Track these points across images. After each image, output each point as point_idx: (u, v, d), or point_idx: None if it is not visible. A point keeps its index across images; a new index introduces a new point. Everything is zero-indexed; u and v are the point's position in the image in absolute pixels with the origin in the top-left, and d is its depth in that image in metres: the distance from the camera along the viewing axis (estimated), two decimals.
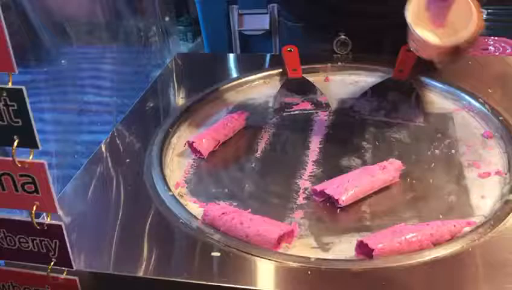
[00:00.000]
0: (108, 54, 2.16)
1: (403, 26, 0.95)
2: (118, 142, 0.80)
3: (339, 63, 0.97)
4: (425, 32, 0.70)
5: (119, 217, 0.64)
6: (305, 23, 1.05)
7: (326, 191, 0.64)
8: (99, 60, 2.11)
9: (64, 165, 1.62)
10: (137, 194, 0.68)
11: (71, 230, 0.60)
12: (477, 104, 0.81)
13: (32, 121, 0.40)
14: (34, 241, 0.46)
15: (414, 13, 0.71)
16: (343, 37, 0.97)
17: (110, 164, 0.75)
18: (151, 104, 0.90)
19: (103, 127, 1.77)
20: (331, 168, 0.71)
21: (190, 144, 0.75)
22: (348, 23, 0.97)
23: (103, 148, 0.79)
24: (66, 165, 1.61)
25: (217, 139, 0.77)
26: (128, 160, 0.75)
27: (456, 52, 0.70)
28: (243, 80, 0.95)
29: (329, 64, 0.97)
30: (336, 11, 0.98)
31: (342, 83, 0.94)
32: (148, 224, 0.62)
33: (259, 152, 0.76)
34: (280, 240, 0.57)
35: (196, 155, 0.75)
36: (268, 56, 1.06)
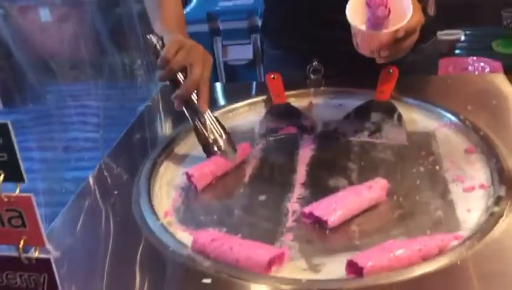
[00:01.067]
0: (93, 90, 2.18)
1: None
2: (106, 174, 0.80)
3: (322, 88, 0.99)
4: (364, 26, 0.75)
5: (109, 249, 0.63)
6: (283, 50, 1.09)
7: (315, 213, 0.65)
8: (85, 97, 2.12)
9: (52, 203, 1.60)
10: (127, 225, 0.68)
11: (60, 264, 0.60)
12: (458, 121, 0.83)
13: (18, 155, 0.40)
14: (22, 277, 0.45)
15: (354, 10, 0.76)
16: (315, 63, 1.00)
17: (98, 197, 0.75)
18: (138, 136, 0.91)
19: (90, 163, 1.77)
20: (318, 189, 0.72)
21: (188, 176, 0.75)
22: (321, 49, 1.00)
23: (91, 182, 0.79)
24: (54, 203, 1.60)
25: (215, 174, 0.76)
26: (116, 191, 0.75)
27: (395, 42, 0.75)
28: (228, 107, 0.96)
29: (312, 89, 0.99)
30: (309, 38, 1.01)
31: (325, 107, 0.95)
32: (138, 254, 0.62)
33: (247, 177, 0.77)
34: (271, 263, 0.57)
35: (192, 184, 0.75)
36: (252, 84, 1.08)
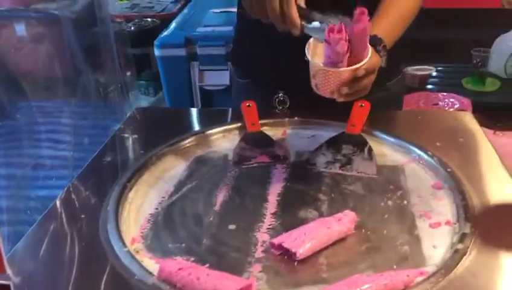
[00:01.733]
0: (66, 108, 2.15)
1: None
2: (74, 197, 0.79)
3: (296, 118, 1.00)
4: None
5: (73, 275, 0.62)
6: (251, 80, 1.11)
7: (284, 245, 0.65)
8: (57, 114, 2.09)
9: (16, 222, 1.56)
10: (92, 251, 0.66)
11: None
12: (426, 157, 0.85)
13: None
14: None
15: (313, 52, 0.77)
16: (281, 94, 1.02)
17: (64, 220, 0.73)
18: (109, 159, 0.90)
19: (59, 182, 1.73)
20: (289, 220, 0.72)
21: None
22: (287, 81, 1.02)
23: (58, 204, 0.77)
24: (19, 222, 1.56)
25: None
26: (83, 215, 0.73)
27: (354, 80, 0.75)
28: (203, 134, 0.96)
29: (286, 119, 1.00)
30: (276, 71, 1.04)
31: (298, 137, 0.96)
32: (103, 282, 0.61)
33: (217, 205, 0.77)
34: None
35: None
36: (228, 110, 1.08)
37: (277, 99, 1.03)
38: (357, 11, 0.72)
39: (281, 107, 1.03)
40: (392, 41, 0.88)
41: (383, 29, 0.86)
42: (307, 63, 0.99)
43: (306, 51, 0.76)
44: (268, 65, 1.05)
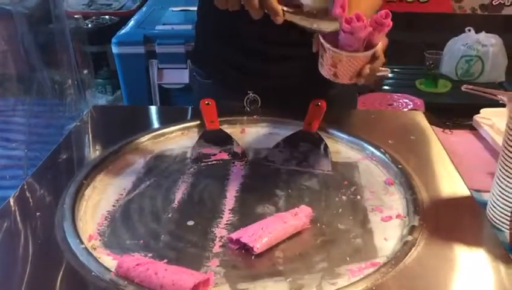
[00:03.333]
0: (20, 107, 2.09)
1: (304, 86, 1.03)
2: (28, 195, 0.77)
3: (255, 116, 1.01)
4: None
5: (27, 273, 0.61)
6: (215, 81, 1.10)
7: (242, 239, 0.66)
8: (10, 113, 2.03)
9: None
10: (48, 248, 0.65)
11: None
12: (379, 154, 0.88)
13: None
14: None
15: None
16: (252, 95, 1.03)
17: (18, 218, 0.72)
18: (65, 157, 0.88)
19: (13, 181, 1.68)
20: (246, 215, 0.73)
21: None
22: (256, 82, 1.04)
23: (11, 202, 0.75)
24: None
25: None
26: (38, 213, 0.72)
27: (373, 61, 0.78)
28: (161, 131, 0.96)
29: (245, 117, 1.01)
30: (244, 72, 1.05)
31: (257, 135, 0.98)
32: (58, 279, 0.60)
33: (176, 202, 0.77)
34: (195, 288, 0.58)
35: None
36: (187, 108, 1.09)
37: (248, 100, 1.04)
38: None
39: (252, 107, 1.04)
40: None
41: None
42: (274, 61, 1.00)
43: (322, 41, 0.76)
44: (234, 66, 1.05)
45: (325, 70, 0.80)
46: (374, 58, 0.78)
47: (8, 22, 2.23)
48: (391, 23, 0.74)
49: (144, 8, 2.64)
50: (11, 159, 1.89)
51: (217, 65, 1.08)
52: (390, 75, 2.27)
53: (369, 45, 0.76)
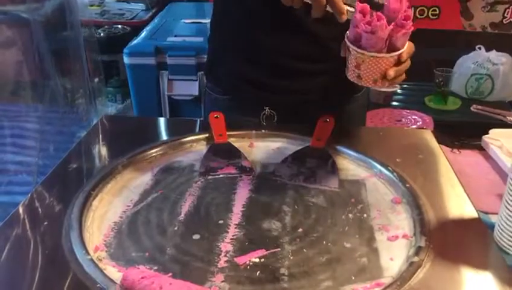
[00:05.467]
0: (32, 113, 2.11)
1: (321, 101, 1.03)
2: (37, 204, 0.78)
3: (263, 130, 1.02)
4: None
5: (35, 283, 0.61)
6: (231, 97, 1.09)
7: None
8: (22, 119, 2.05)
9: None
10: (55, 258, 0.66)
11: None
12: (386, 172, 0.88)
13: None
14: None
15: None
16: (268, 110, 1.04)
17: (27, 227, 0.72)
18: (74, 166, 0.89)
19: (22, 188, 1.70)
20: (252, 231, 0.74)
21: None
22: (273, 98, 1.04)
23: (20, 210, 0.76)
24: None
25: None
26: (46, 223, 0.73)
27: (398, 64, 0.79)
28: (169, 143, 0.97)
29: (253, 131, 1.02)
30: (260, 87, 1.04)
31: (265, 149, 0.98)
32: (64, 289, 0.61)
33: (182, 215, 0.77)
34: None
35: None
36: (196, 121, 1.09)
37: (264, 115, 1.05)
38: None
39: (268, 123, 1.05)
40: None
41: None
42: (295, 76, 1.00)
43: (347, 42, 0.78)
44: (251, 81, 1.04)
45: (350, 73, 0.81)
46: (399, 61, 0.79)
47: (23, 29, 2.27)
48: (412, 27, 0.75)
49: (156, 19, 2.67)
50: (22, 165, 1.90)
51: (231, 80, 1.07)
52: (399, 91, 2.27)
53: (393, 49, 0.77)
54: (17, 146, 1.89)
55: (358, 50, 0.77)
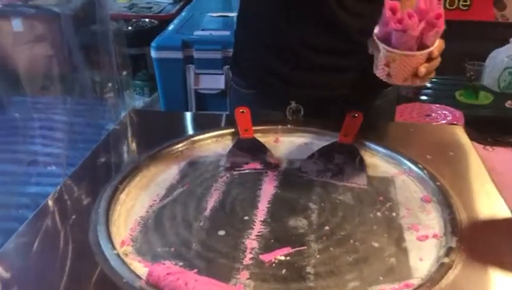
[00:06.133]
0: (61, 105, 2.14)
1: (349, 97, 1.02)
2: (66, 197, 0.79)
3: (289, 126, 1.01)
4: None
5: (63, 277, 0.62)
6: (257, 91, 1.08)
7: None
8: (52, 111, 2.09)
9: (7, 218, 1.56)
10: (82, 252, 0.67)
11: (10, 286, 0.58)
12: (416, 170, 0.85)
13: None
14: None
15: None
16: (294, 105, 1.02)
17: (55, 220, 0.73)
18: (103, 159, 0.90)
19: (51, 179, 1.73)
20: (278, 228, 0.73)
21: None
22: (299, 92, 1.03)
23: (50, 203, 0.77)
24: (8, 218, 1.55)
25: None
26: (74, 216, 0.74)
27: (428, 62, 0.77)
28: (195, 138, 0.96)
29: (279, 126, 1.01)
30: (287, 81, 1.03)
31: (291, 145, 0.97)
32: (92, 283, 0.61)
33: (208, 210, 0.77)
34: None
35: None
36: (222, 115, 1.09)
37: (291, 110, 1.03)
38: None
39: (294, 116, 1.03)
40: None
41: None
42: (323, 71, 0.98)
43: (376, 41, 0.77)
44: (278, 75, 1.03)
45: (379, 71, 0.79)
46: (430, 58, 0.77)
47: (53, 22, 2.30)
48: (443, 25, 0.73)
49: (183, 13, 2.68)
50: (51, 156, 1.94)
51: (258, 74, 1.06)
52: (428, 85, 2.22)
53: (423, 47, 0.75)
54: (46, 138, 1.93)
55: (389, 49, 0.75)
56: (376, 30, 0.77)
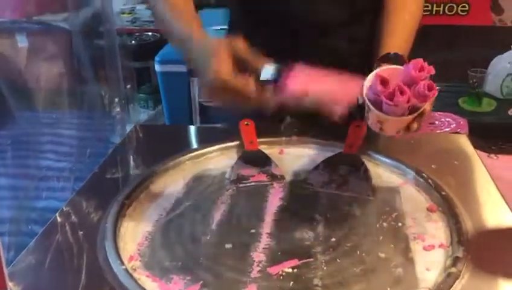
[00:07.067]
0: (68, 120, 2.16)
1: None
2: (74, 212, 0.80)
3: (294, 137, 1.01)
4: None
5: None
6: None
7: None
8: (59, 125, 2.10)
9: (18, 233, 1.57)
10: (91, 267, 0.67)
11: None
12: (421, 179, 0.86)
13: None
14: None
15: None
16: (289, 119, 1.03)
17: (63, 236, 0.74)
18: (109, 174, 0.91)
19: (59, 193, 1.74)
20: (284, 240, 0.73)
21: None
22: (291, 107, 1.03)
23: (58, 219, 0.78)
24: (18, 233, 1.56)
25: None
26: (82, 232, 0.74)
27: (421, 115, 0.74)
28: (201, 151, 0.97)
29: (284, 138, 1.01)
30: None
31: (296, 156, 0.97)
32: None
33: (214, 224, 0.78)
34: None
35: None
36: (226, 129, 1.10)
37: (286, 124, 1.04)
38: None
39: (289, 131, 1.04)
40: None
41: (399, 48, 0.87)
42: None
43: (368, 104, 0.73)
44: None
45: (371, 124, 0.77)
46: (422, 113, 0.74)
47: (64, 38, 2.33)
48: (436, 92, 0.70)
49: None
50: (60, 171, 1.95)
51: None
52: None
53: (414, 107, 0.72)
54: (55, 153, 1.95)
55: (380, 114, 0.72)
56: (366, 90, 0.74)
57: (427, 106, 0.73)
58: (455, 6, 2.39)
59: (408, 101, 0.69)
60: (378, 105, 0.72)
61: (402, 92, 0.69)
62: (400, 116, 0.71)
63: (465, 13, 2.39)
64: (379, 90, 0.70)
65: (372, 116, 0.75)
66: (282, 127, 1.04)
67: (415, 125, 0.75)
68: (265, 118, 1.01)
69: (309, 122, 1.03)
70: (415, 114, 0.72)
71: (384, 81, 0.70)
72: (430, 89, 0.69)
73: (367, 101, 0.73)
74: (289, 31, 1.02)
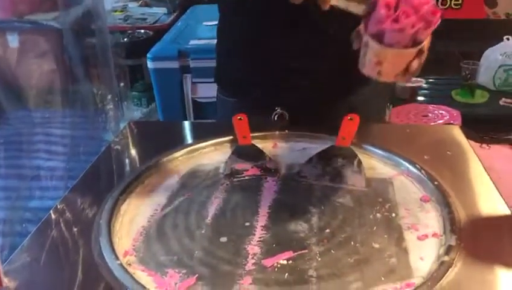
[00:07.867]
0: (60, 118, 2.15)
1: (336, 97, 1.02)
2: (68, 209, 0.80)
3: (287, 131, 1.02)
4: None
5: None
6: (239, 99, 1.10)
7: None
8: (51, 125, 2.09)
9: (12, 233, 1.56)
10: (86, 263, 0.67)
11: None
12: (414, 170, 0.86)
13: None
14: None
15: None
16: (279, 110, 1.03)
17: (58, 232, 0.74)
18: (103, 171, 0.91)
19: (53, 193, 1.74)
20: (279, 233, 0.73)
21: None
22: (283, 97, 1.04)
23: (52, 216, 0.78)
24: (15, 233, 1.56)
25: None
26: (76, 229, 0.74)
27: (419, 55, 0.74)
28: (194, 146, 0.97)
29: (277, 132, 1.02)
30: (267, 87, 1.04)
31: (289, 150, 0.98)
32: None
33: (209, 218, 0.78)
34: None
35: None
36: (220, 124, 1.10)
37: (275, 115, 1.04)
38: None
39: (280, 123, 1.04)
40: None
41: None
42: (297, 74, 0.99)
43: (368, 38, 0.72)
44: (257, 82, 1.05)
45: (369, 69, 0.75)
46: (420, 52, 0.74)
47: (53, 35, 2.31)
48: (439, 20, 0.70)
49: (178, 23, 2.69)
50: (52, 170, 1.94)
51: (239, 83, 1.08)
52: (425, 85, 2.24)
53: (414, 41, 0.72)
54: (48, 152, 1.94)
55: (383, 47, 0.71)
56: (365, 25, 0.72)
57: (426, 42, 0.72)
58: (448, 0, 2.40)
59: (413, 26, 0.68)
60: (378, 39, 0.71)
61: (407, 16, 0.68)
62: (404, 46, 0.71)
63: (459, 7, 2.40)
64: (383, 14, 0.69)
65: (371, 57, 0.73)
66: (272, 119, 1.04)
67: (415, 65, 0.74)
68: (257, 113, 1.02)
69: (299, 112, 1.04)
70: (418, 47, 0.71)
71: (389, 6, 0.69)
72: (434, 13, 0.69)
73: (367, 37, 0.72)
74: None
